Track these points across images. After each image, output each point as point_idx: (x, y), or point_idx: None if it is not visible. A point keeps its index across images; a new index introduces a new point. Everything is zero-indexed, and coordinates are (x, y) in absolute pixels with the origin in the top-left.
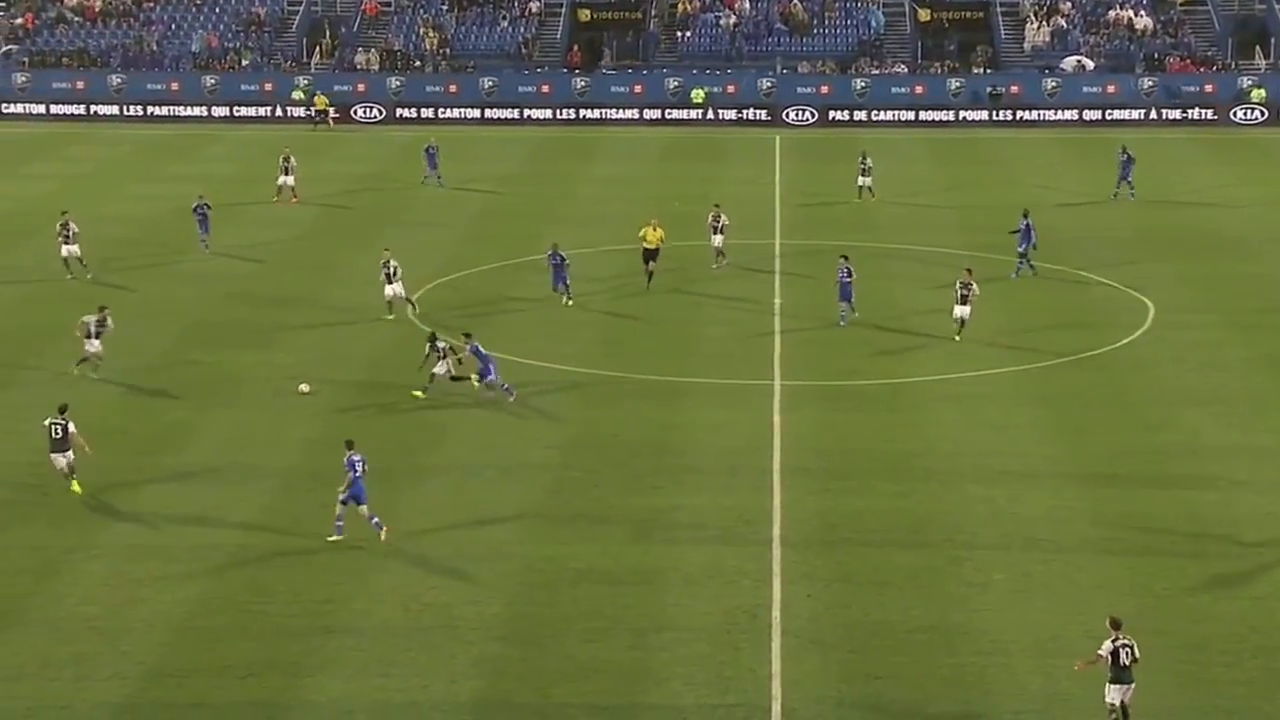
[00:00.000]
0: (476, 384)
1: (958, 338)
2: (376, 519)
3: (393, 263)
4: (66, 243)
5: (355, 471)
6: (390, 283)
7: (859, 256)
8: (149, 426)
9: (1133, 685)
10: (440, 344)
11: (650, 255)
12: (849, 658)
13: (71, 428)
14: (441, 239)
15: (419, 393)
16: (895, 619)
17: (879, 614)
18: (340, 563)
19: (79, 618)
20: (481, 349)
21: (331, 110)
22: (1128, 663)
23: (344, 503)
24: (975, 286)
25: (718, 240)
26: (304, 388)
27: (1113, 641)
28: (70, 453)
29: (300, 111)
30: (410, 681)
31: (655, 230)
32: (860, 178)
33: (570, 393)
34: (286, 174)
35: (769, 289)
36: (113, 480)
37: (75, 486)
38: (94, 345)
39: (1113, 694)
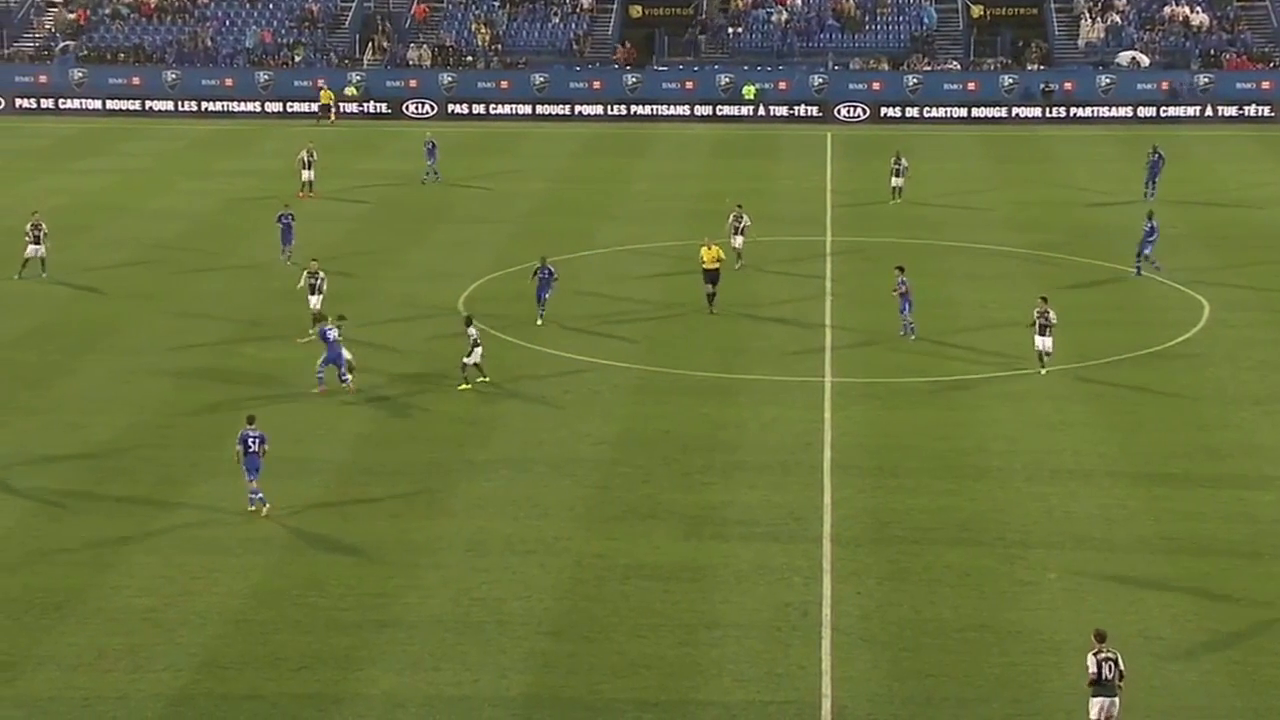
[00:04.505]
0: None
1: (1043, 371)
2: (259, 497)
3: (320, 273)
4: (34, 243)
5: (250, 448)
6: (313, 294)
7: (910, 253)
8: (202, 421)
9: (1116, 700)
10: (473, 332)
11: (711, 276)
12: (900, 655)
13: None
14: (492, 235)
15: (464, 385)
16: (946, 617)
17: (930, 612)
18: (391, 557)
19: (134, 609)
20: (330, 335)
21: (334, 105)
22: (1111, 676)
23: (250, 478)
24: (1053, 314)
25: (738, 241)
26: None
27: (1095, 654)
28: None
29: (354, 107)
30: (461, 675)
31: (711, 249)
32: (893, 178)
33: (620, 388)
34: (308, 168)
35: (820, 286)
36: (167, 474)
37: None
38: (315, 301)
39: (1094, 708)
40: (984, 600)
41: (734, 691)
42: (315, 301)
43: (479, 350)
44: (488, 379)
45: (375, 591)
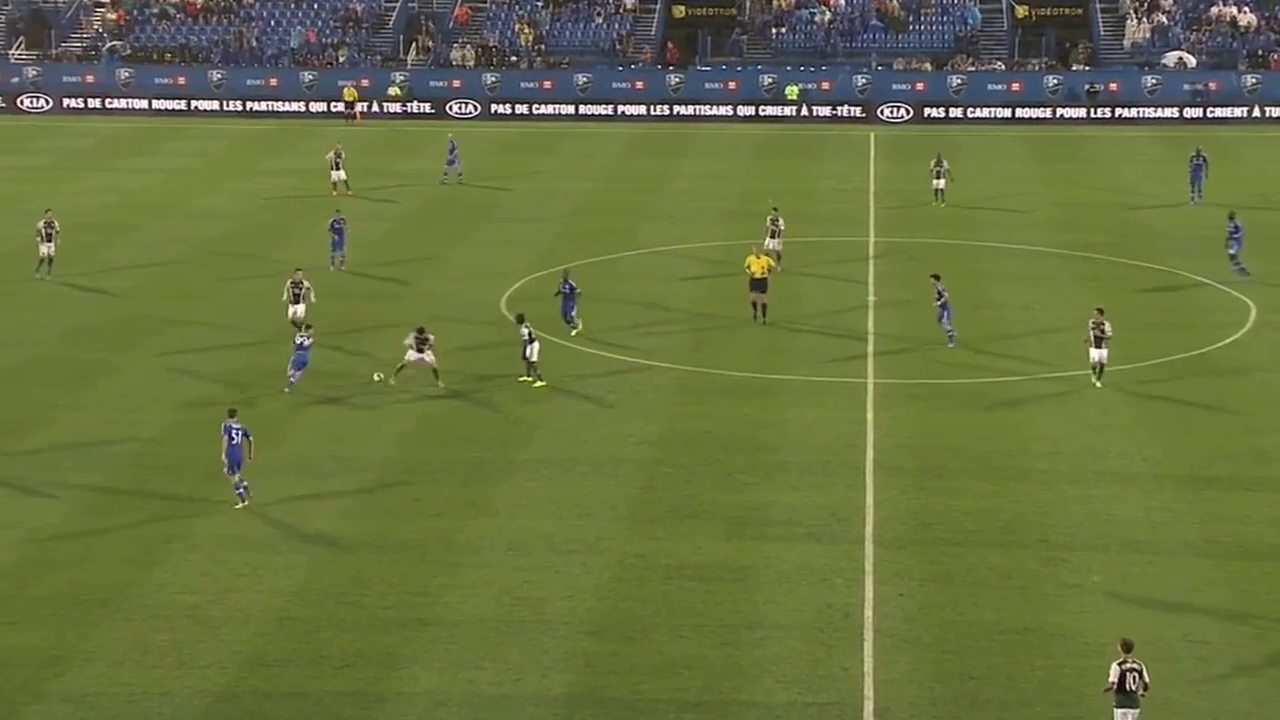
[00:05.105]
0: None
1: (1098, 384)
2: (243, 487)
3: (305, 283)
4: (46, 241)
5: (232, 440)
6: (296, 302)
7: (953, 254)
8: (247, 418)
9: (1138, 711)
10: (526, 328)
11: (759, 286)
12: (942, 658)
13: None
14: (535, 234)
15: (529, 380)
16: (989, 619)
17: (973, 614)
18: (434, 556)
19: (179, 606)
20: (299, 341)
21: (359, 105)
22: (1134, 688)
23: (232, 473)
24: (1108, 326)
25: (774, 243)
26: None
27: (1119, 664)
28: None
29: (397, 107)
30: (503, 674)
31: (760, 259)
32: (935, 180)
33: (663, 388)
34: (337, 169)
35: (863, 286)
36: (212, 471)
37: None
38: (299, 310)
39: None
40: (1027, 603)
41: (776, 693)
42: (299, 310)
43: (535, 347)
44: (527, 378)
45: (418, 590)
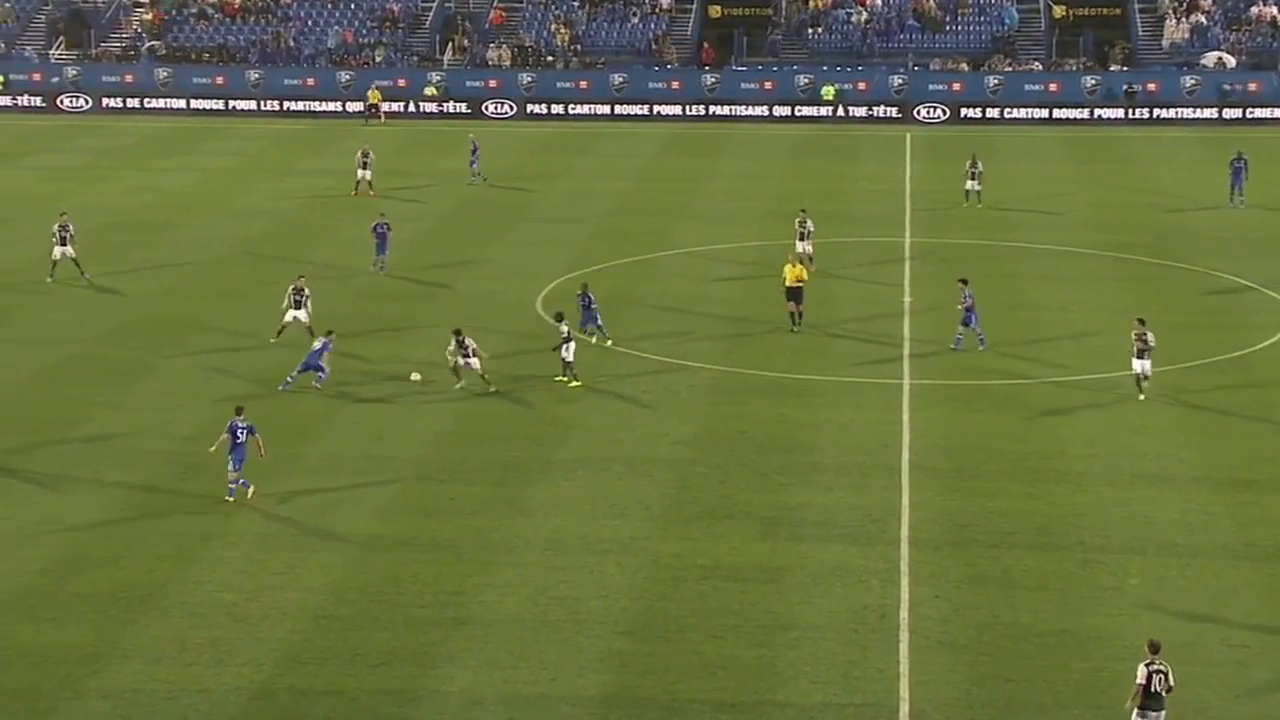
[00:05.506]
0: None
1: (1142, 396)
2: (242, 483)
3: (306, 290)
4: (61, 244)
5: (238, 438)
6: (297, 308)
7: (989, 255)
8: (284, 417)
9: (1163, 713)
10: (564, 326)
11: (793, 294)
12: (978, 659)
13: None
14: (571, 234)
15: (564, 379)
16: (1026, 621)
17: (1009, 616)
18: (470, 555)
19: (216, 604)
20: (317, 344)
21: (383, 105)
22: (1160, 689)
23: (234, 468)
24: (1151, 337)
25: (804, 245)
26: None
27: (1146, 665)
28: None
29: (433, 107)
30: (538, 674)
31: (796, 267)
32: (968, 181)
33: (698, 389)
34: (365, 168)
35: (898, 287)
36: (248, 470)
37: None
38: (300, 315)
39: None
40: (1064, 605)
41: (811, 693)
42: (301, 316)
43: (571, 346)
44: (562, 378)
45: (453, 589)
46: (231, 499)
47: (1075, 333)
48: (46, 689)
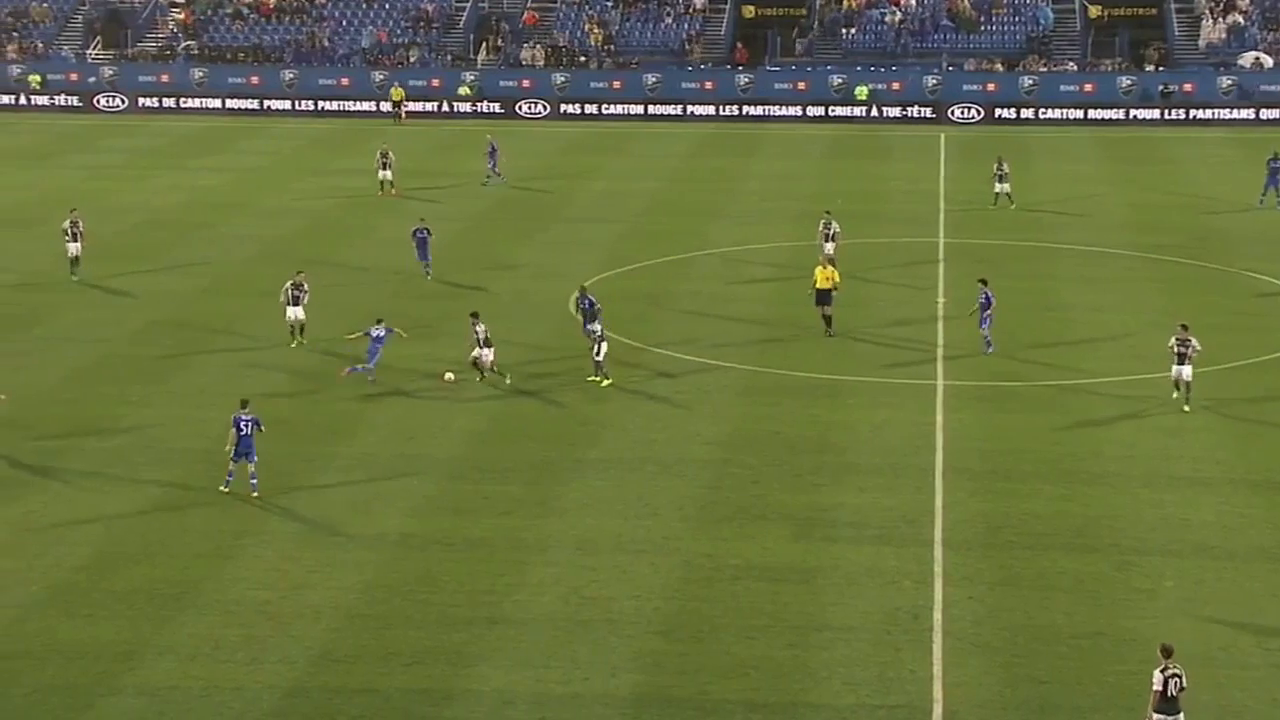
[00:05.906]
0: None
1: (1186, 408)
2: (255, 479)
3: (305, 285)
4: (72, 240)
5: (243, 431)
6: (294, 304)
7: (1023, 255)
8: (317, 415)
9: (1180, 716)
10: (590, 327)
11: (823, 298)
12: (1012, 661)
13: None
14: (605, 234)
15: (596, 379)
16: (1060, 623)
17: (1043, 618)
18: (503, 554)
19: (251, 602)
20: (375, 333)
21: (405, 104)
22: (1175, 693)
23: (235, 459)
24: (1195, 342)
25: (830, 248)
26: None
27: (1162, 671)
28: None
29: (467, 107)
30: (571, 674)
31: (826, 270)
32: (996, 184)
33: (730, 389)
34: (385, 169)
35: (932, 288)
36: (281, 469)
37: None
38: (297, 313)
39: None
40: (1099, 607)
41: (844, 695)
42: (297, 313)
43: (604, 346)
44: (595, 378)
45: (486, 588)
46: (226, 490)
47: (1109, 334)
48: (83, 685)
